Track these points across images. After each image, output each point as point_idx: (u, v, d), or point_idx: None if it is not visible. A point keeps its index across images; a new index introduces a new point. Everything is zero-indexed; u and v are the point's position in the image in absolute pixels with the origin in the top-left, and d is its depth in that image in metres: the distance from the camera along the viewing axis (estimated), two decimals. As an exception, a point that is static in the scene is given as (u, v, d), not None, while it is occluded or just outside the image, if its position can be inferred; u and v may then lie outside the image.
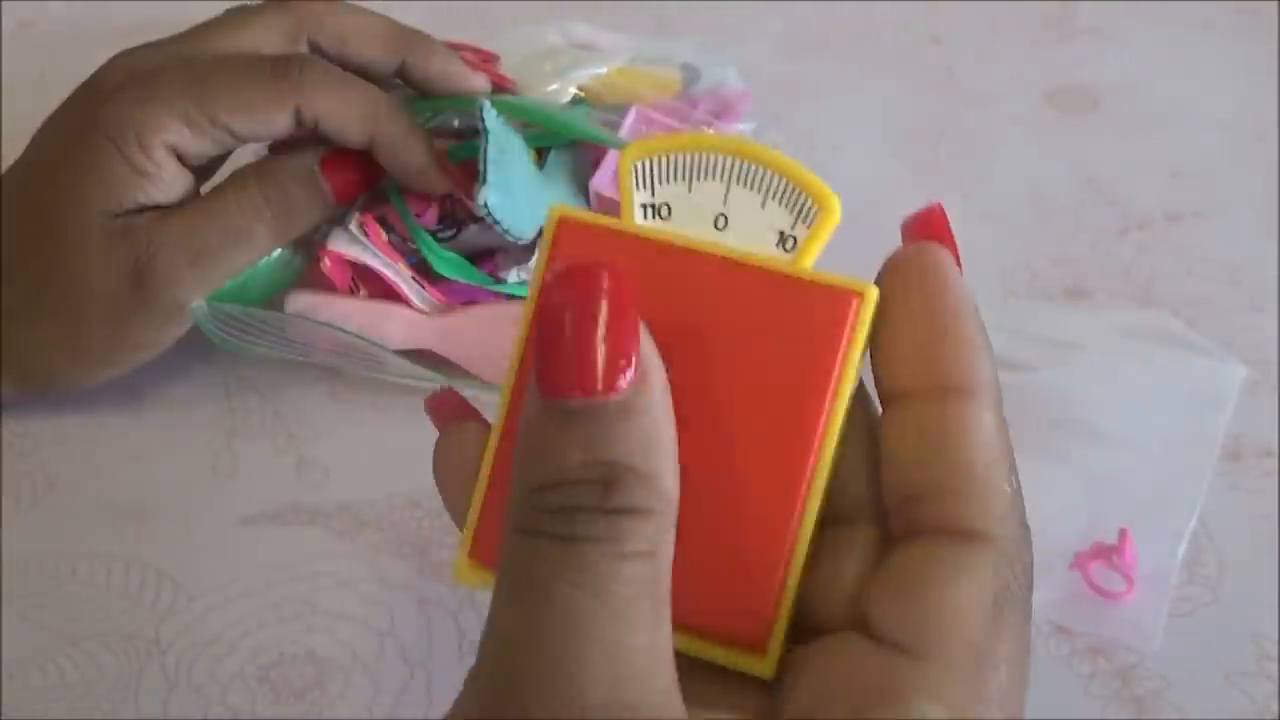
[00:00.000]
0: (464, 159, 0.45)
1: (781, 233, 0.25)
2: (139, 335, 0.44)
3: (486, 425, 0.26)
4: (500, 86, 0.48)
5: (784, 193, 0.25)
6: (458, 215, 0.46)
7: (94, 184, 0.42)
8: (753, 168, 0.25)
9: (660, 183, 0.25)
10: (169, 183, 0.42)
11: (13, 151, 0.45)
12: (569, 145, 0.48)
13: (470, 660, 0.22)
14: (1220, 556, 0.42)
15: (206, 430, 0.46)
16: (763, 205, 0.25)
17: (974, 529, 0.22)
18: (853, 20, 0.68)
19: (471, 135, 0.44)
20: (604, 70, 0.50)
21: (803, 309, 0.24)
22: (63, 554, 0.42)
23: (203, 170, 0.45)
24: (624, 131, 0.48)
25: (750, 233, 0.25)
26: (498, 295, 0.46)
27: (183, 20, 0.46)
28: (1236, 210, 0.56)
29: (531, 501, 0.21)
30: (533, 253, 0.46)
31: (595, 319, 0.21)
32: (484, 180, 0.42)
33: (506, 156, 0.43)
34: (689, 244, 0.24)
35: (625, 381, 0.21)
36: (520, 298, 0.46)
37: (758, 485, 0.24)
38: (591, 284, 0.22)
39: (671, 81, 0.52)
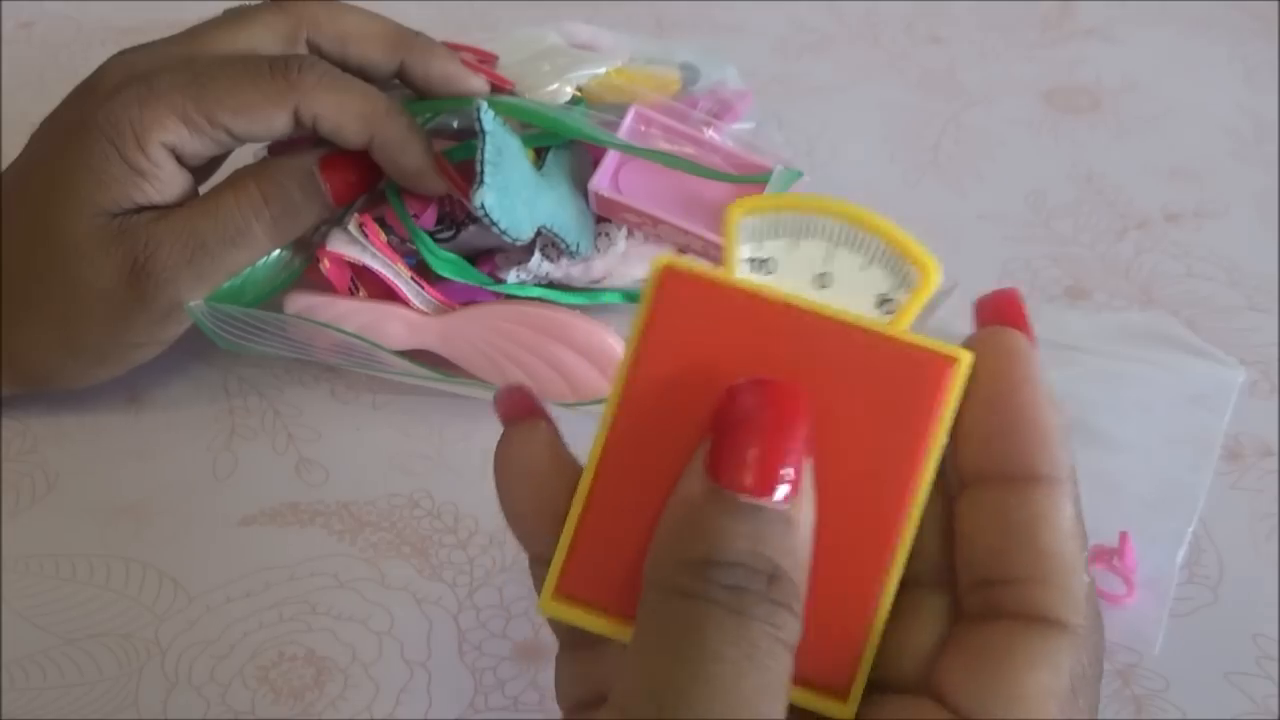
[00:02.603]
0: (462, 160, 0.45)
1: (881, 295, 0.25)
2: (137, 335, 0.44)
3: (555, 428, 0.27)
4: (499, 88, 0.48)
5: (887, 258, 0.25)
6: (456, 216, 0.46)
7: (92, 183, 0.42)
8: (858, 231, 0.25)
9: (765, 238, 0.25)
10: (167, 183, 0.42)
11: (12, 151, 0.45)
12: (568, 145, 0.48)
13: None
14: (1220, 556, 0.42)
15: (206, 430, 0.46)
16: (864, 268, 0.25)
17: (1055, 617, 0.24)
18: (853, 20, 0.68)
19: (470, 136, 0.44)
20: (603, 70, 0.50)
21: (901, 370, 0.25)
22: (63, 554, 0.42)
23: (202, 170, 0.45)
24: (622, 131, 0.48)
25: (851, 293, 0.25)
26: (497, 295, 0.46)
27: (183, 20, 0.46)
28: (1236, 210, 0.56)
29: (697, 572, 0.23)
30: (531, 253, 0.46)
31: (787, 435, 0.23)
32: (481, 181, 0.42)
33: (504, 157, 0.43)
34: (791, 300, 0.25)
35: (789, 495, 0.23)
36: (519, 297, 0.46)
37: (850, 537, 0.24)
38: (789, 403, 0.23)
39: (671, 81, 0.51)
